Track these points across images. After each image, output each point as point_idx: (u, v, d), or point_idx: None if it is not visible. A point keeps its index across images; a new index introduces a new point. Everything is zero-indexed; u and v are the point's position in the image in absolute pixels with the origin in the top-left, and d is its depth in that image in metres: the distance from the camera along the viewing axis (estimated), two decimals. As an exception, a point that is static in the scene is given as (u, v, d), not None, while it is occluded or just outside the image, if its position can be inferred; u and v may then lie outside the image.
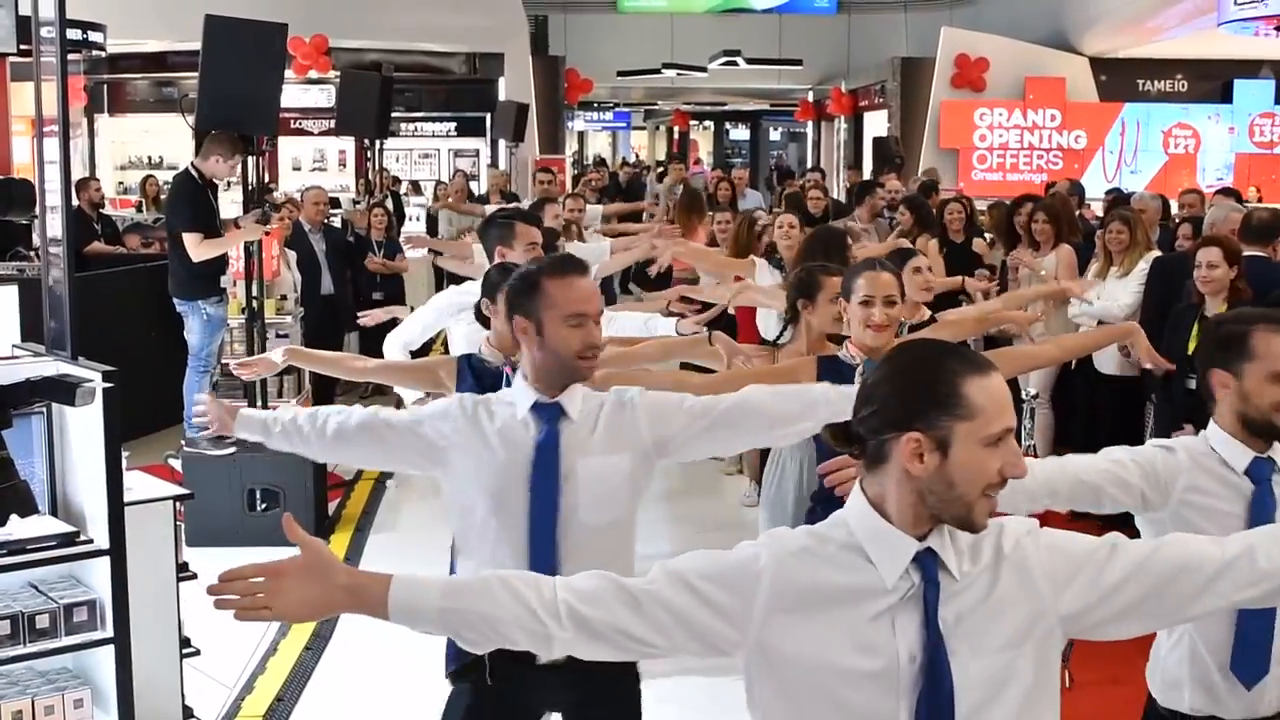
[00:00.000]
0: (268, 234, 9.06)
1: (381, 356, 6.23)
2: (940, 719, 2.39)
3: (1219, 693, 3.48)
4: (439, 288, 6.51)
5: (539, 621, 2.54)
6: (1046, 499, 3.44)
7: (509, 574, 2.66)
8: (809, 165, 31.63)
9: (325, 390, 11.59)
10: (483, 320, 4.85)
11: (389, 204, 16.41)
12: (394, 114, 17.18)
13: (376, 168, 16.66)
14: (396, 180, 19.01)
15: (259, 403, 9.28)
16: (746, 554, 2.52)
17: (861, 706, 2.43)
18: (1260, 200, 16.05)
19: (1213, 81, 23.37)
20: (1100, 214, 11.95)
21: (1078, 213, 11.73)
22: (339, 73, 18.35)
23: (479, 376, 4.69)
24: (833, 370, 4.63)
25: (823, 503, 4.27)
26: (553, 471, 3.53)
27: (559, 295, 3.56)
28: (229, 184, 8.92)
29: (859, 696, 2.42)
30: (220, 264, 8.86)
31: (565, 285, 3.58)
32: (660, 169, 30.69)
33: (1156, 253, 8.96)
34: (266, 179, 9.57)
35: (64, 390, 4.12)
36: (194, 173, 8.56)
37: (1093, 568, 2.50)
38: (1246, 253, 7.31)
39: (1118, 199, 12.47)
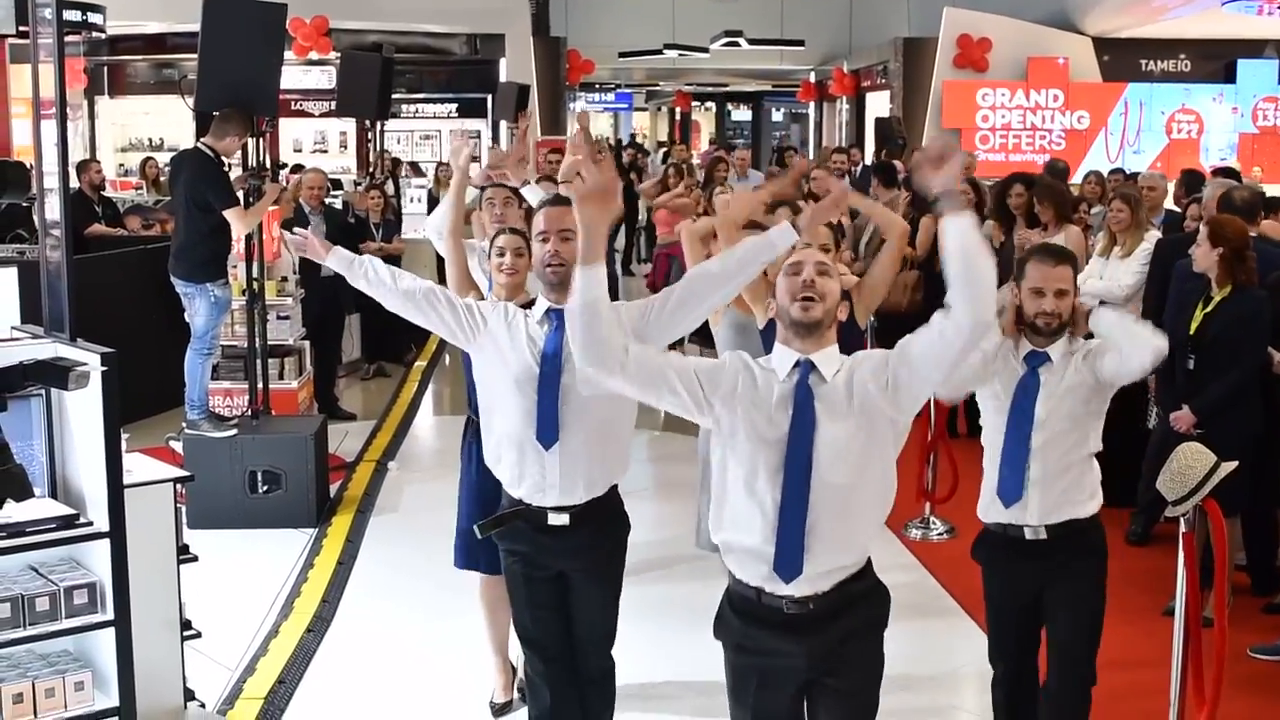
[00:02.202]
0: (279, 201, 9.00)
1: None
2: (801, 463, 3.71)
3: (1000, 507, 4.75)
4: (440, 269, 6.60)
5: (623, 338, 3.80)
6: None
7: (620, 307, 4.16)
8: (811, 146, 31.64)
9: (327, 373, 11.59)
10: None
11: (389, 186, 16.40)
12: (395, 95, 17.14)
13: (378, 149, 16.63)
14: (397, 162, 18.96)
15: (262, 384, 9.29)
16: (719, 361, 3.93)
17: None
18: (1259, 180, 15.96)
19: (1216, 61, 23.27)
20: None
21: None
22: (339, 54, 18.31)
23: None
24: None
25: None
26: (558, 357, 4.56)
27: (535, 221, 4.75)
28: (230, 165, 8.86)
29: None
30: (227, 246, 8.84)
31: (539, 215, 4.73)
32: (664, 150, 30.62)
33: (1157, 233, 8.93)
34: (267, 161, 9.50)
35: (57, 374, 4.11)
36: (209, 151, 8.52)
37: (890, 363, 3.79)
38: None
39: (1121, 179, 12.45)
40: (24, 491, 4.00)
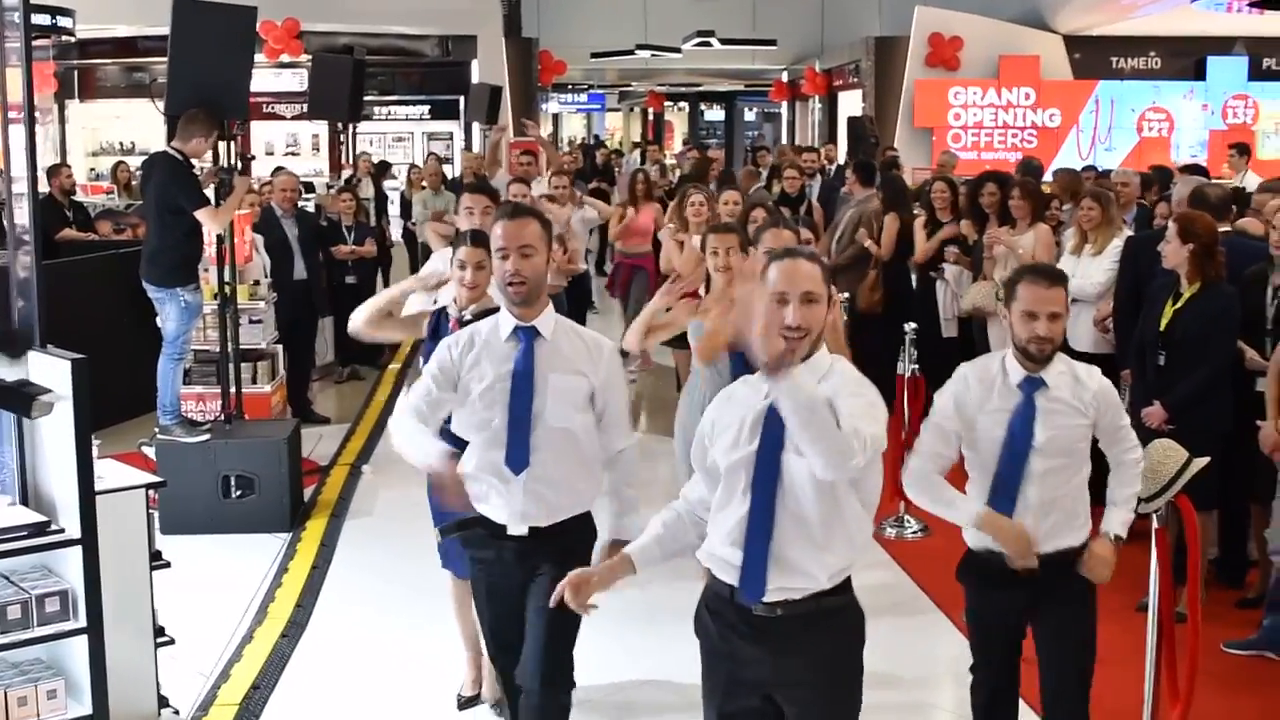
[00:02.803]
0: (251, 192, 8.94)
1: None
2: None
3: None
4: (424, 259, 6.65)
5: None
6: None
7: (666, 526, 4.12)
8: (783, 142, 31.64)
9: (300, 377, 11.56)
10: None
11: (368, 189, 16.39)
12: (367, 97, 17.11)
13: (352, 152, 16.59)
14: (385, 166, 18.94)
15: (234, 388, 9.26)
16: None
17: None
18: (1228, 177, 16.04)
19: (1186, 58, 23.39)
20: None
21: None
22: (311, 56, 18.26)
23: (447, 320, 5.48)
24: None
25: None
26: (528, 378, 4.48)
27: (493, 234, 4.54)
28: (201, 169, 8.82)
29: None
30: (199, 251, 8.80)
31: (496, 228, 4.51)
32: (639, 150, 30.66)
33: (1129, 232, 8.98)
34: (240, 166, 9.45)
35: (21, 401, 4.09)
36: (177, 155, 8.47)
37: None
38: (1221, 229, 7.29)
39: (1094, 177, 12.50)
40: None
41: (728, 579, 3.79)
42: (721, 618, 3.85)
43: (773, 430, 3.70)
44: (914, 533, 8.45)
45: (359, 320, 5.74)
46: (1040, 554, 4.54)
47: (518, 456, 4.46)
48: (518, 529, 4.53)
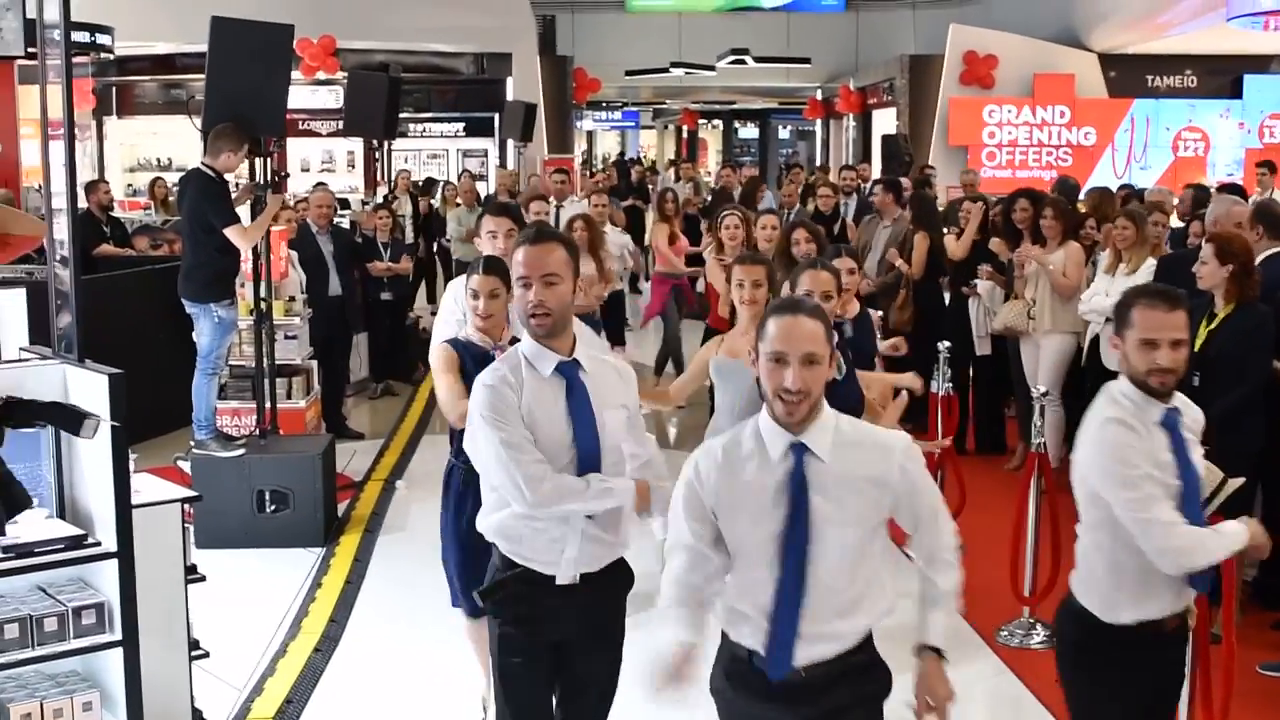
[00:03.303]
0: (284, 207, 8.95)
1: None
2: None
3: (1163, 599, 4.08)
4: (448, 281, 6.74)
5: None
6: None
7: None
8: (818, 163, 31.65)
9: (334, 393, 11.60)
10: None
11: (406, 206, 16.48)
12: (402, 115, 17.19)
13: (387, 169, 16.66)
14: (432, 183, 19.03)
15: (269, 403, 9.31)
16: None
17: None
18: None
19: (1223, 77, 23.29)
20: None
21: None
22: (347, 74, 18.37)
23: (471, 354, 5.09)
24: None
25: None
26: (590, 419, 4.19)
27: (514, 261, 4.17)
28: (236, 183, 8.88)
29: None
30: (235, 266, 8.86)
31: (517, 253, 4.15)
32: (674, 167, 30.73)
33: (1163, 251, 8.95)
34: (275, 183, 9.51)
35: (70, 419, 4.11)
36: (209, 171, 8.54)
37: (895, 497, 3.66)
38: (1269, 251, 7.26)
39: (1129, 195, 12.46)
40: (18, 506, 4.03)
41: (748, 643, 3.64)
42: (740, 680, 3.69)
43: (799, 500, 3.54)
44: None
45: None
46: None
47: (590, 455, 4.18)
48: (569, 577, 4.20)
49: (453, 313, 5.74)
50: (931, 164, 19.84)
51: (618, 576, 4.35)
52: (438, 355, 5.25)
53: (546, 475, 4.06)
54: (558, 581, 4.17)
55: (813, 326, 3.54)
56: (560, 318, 4.15)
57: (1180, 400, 4.15)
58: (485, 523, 4.31)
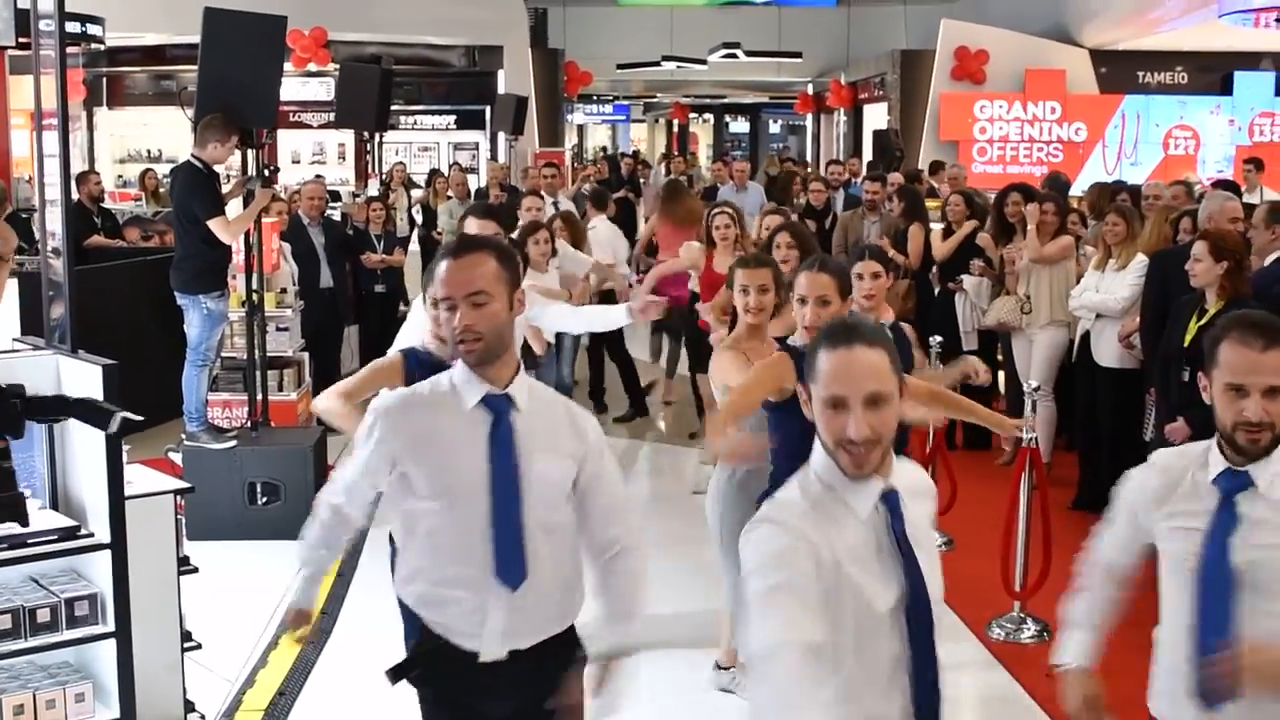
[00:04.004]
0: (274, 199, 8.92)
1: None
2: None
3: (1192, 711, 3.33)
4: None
5: None
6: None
7: None
8: (808, 158, 31.69)
9: (326, 385, 11.56)
10: None
11: (402, 198, 16.44)
12: (393, 107, 17.16)
13: (377, 161, 16.64)
14: (434, 173, 18.97)
15: (261, 395, 9.30)
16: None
17: None
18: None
19: (1213, 73, 23.31)
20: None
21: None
22: (338, 65, 18.35)
23: (427, 369, 4.42)
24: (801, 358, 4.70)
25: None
26: (511, 467, 3.56)
27: (437, 279, 3.51)
28: (228, 176, 8.87)
29: None
30: (226, 258, 8.85)
31: (438, 269, 3.51)
32: (665, 161, 30.71)
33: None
34: (266, 175, 9.50)
35: (99, 415, 4.11)
36: (197, 163, 8.53)
37: None
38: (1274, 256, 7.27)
39: (1129, 194, 12.48)
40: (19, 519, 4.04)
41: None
42: None
43: (913, 567, 2.87)
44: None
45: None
46: None
47: (512, 567, 3.53)
48: (493, 653, 3.59)
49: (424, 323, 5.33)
50: (926, 170, 19.82)
51: (561, 651, 3.68)
52: (383, 361, 5.03)
53: (323, 510, 3.94)
54: (481, 659, 3.58)
55: (875, 358, 2.82)
56: (494, 342, 3.49)
57: None
58: (404, 591, 3.82)
